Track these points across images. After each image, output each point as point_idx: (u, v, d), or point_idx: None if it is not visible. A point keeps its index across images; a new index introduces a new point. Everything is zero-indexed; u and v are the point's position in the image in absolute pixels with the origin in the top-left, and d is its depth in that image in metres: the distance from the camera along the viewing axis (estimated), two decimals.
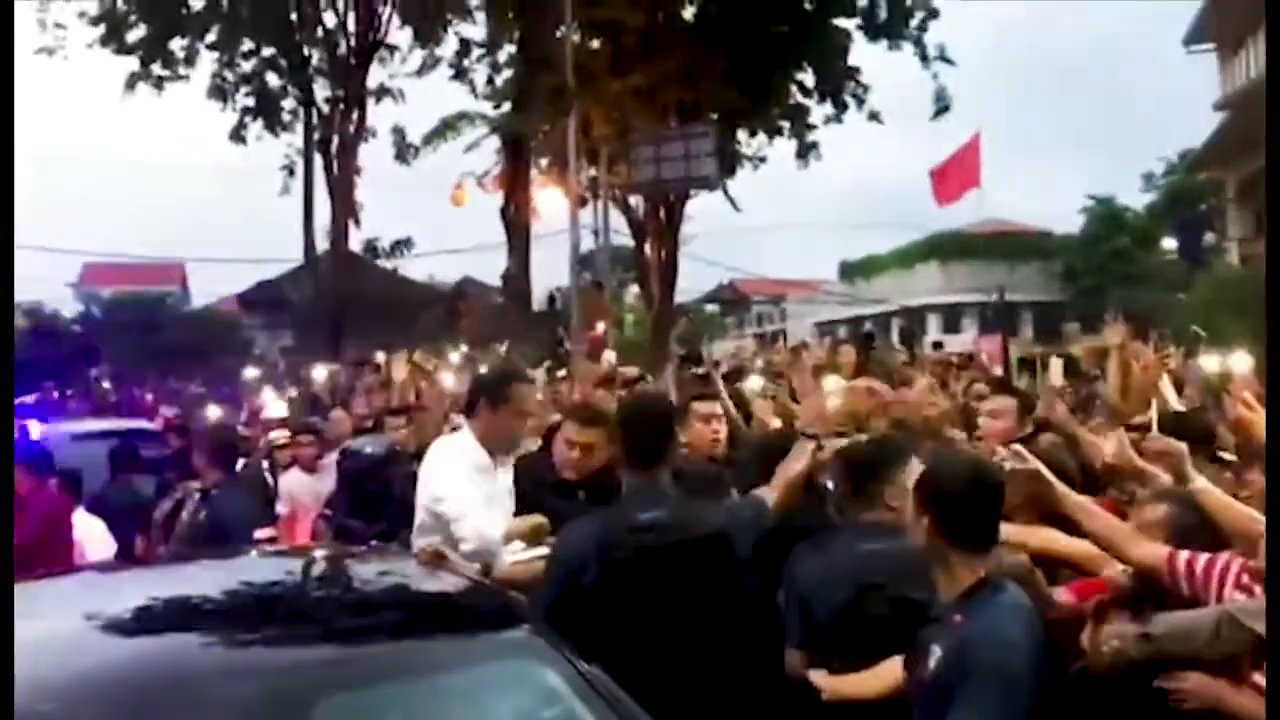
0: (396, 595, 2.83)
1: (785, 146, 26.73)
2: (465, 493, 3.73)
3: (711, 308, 59.43)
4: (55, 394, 21.12)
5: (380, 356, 12.69)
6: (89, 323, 34.25)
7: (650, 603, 2.95)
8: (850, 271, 48.52)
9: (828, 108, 25.48)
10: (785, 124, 26.33)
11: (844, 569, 2.92)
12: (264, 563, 3.41)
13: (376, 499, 5.28)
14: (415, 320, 27.76)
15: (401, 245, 26.41)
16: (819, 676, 2.93)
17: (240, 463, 6.95)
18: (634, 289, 34.52)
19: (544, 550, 3.38)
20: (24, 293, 33.33)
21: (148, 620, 2.45)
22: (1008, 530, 2.91)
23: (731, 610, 3.05)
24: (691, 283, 42.36)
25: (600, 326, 16.86)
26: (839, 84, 24.34)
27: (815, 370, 6.99)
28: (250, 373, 16.40)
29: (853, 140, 42.58)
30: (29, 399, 17.24)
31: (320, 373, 12.69)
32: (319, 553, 4.09)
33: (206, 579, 2.85)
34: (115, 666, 2.21)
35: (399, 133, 24.07)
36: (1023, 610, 2.56)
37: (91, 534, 5.66)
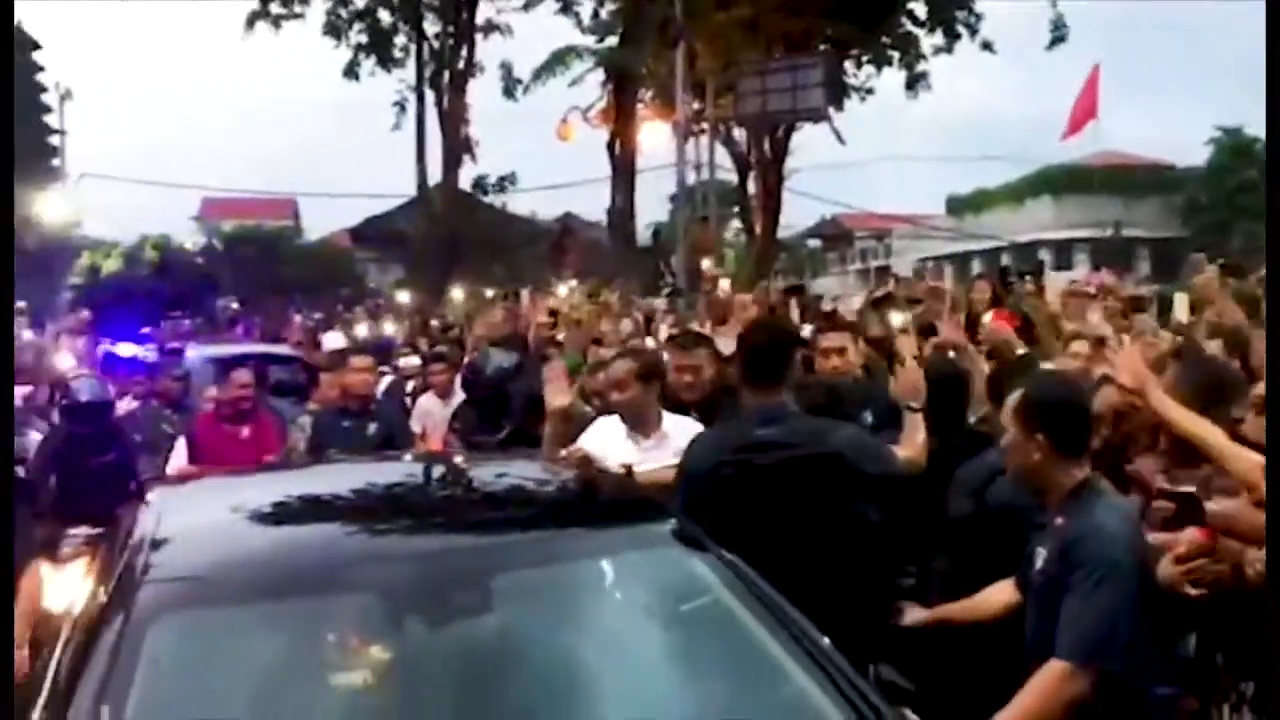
0: (555, 490, 3.14)
1: (894, 78, 26.24)
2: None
3: (813, 243, 58.65)
4: (184, 322, 22.13)
5: (525, 294, 13.12)
6: (210, 255, 35.61)
7: (759, 516, 3.15)
8: (958, 206, 47.34)
9: (938, 38, 24.86)
10: (894, 54, 25.80)
11: None
12: (436, 462, 3.76)
13: (500, 411, 5.55)
14: (520, 255, 28.26)
15: (506, 180, 26.82)
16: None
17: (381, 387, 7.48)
18: (735, 224, 34.41)
19: (671, 460, 3.61)
20: (149, 226, 34.95)
21: (348, 508, 2.85)
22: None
23: (840, 531, 3.24)
24: (794, 218, 41.91)
25: (706, 261, 16.94)
26: (951, 13, 23.69)
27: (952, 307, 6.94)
28: (368, 303, 17.02)
29: (963, 71, 41.40)
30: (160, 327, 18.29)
31: (438, 304, 13.22)
32: (483, 457, 4.37)
33: (392, 473, 3.19)
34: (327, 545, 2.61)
35: (506, 68, 24.41)
36: (1121, 508, 2.72)
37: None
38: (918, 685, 2.51)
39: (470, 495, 3.12)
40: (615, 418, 4.12)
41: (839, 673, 2.30)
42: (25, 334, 12.59)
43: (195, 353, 10.25)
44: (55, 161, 34.29)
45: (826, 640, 2.40)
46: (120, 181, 55.93)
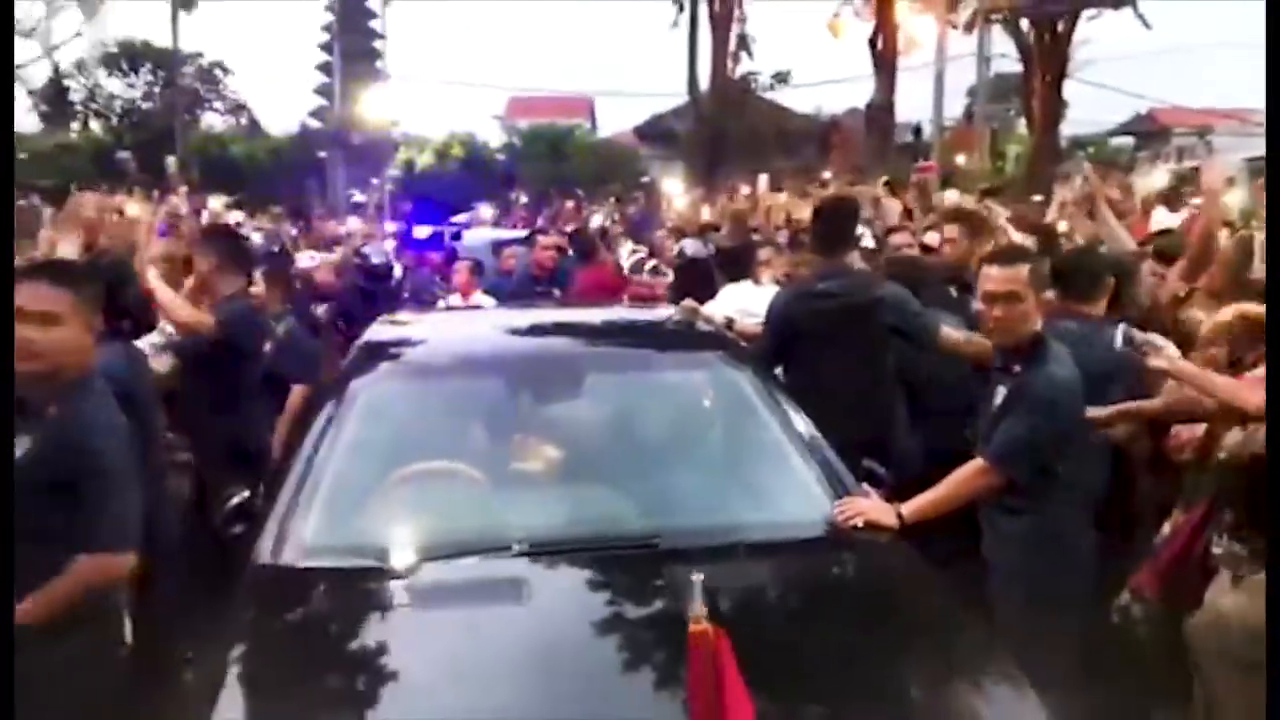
0: (654, 325, 4.28)
1: None
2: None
3: (1122, 140, 54.41)
4: (482, 213, 24.49)
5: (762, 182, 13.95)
6: (509, 152, 38.39)
7: (815, 344, 4.08)
8: None
9: None
10: None
11: None
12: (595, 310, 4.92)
13: (695, 285, 6.54)
14: (794, 151, 28.64)
15: (780, 78, 27.20)
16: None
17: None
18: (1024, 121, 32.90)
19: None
20: (457, 125, 38.15)
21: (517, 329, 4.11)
22: None
23: (867, 360, 4.09)
24: (1100, 113, 39.17)
25: (962, 158, 16.82)
26: None
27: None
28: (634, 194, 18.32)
29: None
30: (462, 216, 20.67)
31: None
32: (636, 309, 5.45)
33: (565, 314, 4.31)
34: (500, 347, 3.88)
35: None
36: (1066, 366, 3.27)
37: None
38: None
39: (590, 325, 4.22)
40: (749, 283, 5.06)
41: (819, 454, 3.23)
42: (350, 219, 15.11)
43: (472, 235, 12.18)
44: (378, 64, 37.83)
45: (818, 433, 3.27)
46: (435, 82, 60.51)
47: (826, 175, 16.18)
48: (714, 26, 24.45)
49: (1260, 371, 3.22)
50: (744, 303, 4.89)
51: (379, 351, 3.78)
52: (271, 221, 13.11)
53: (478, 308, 6.62)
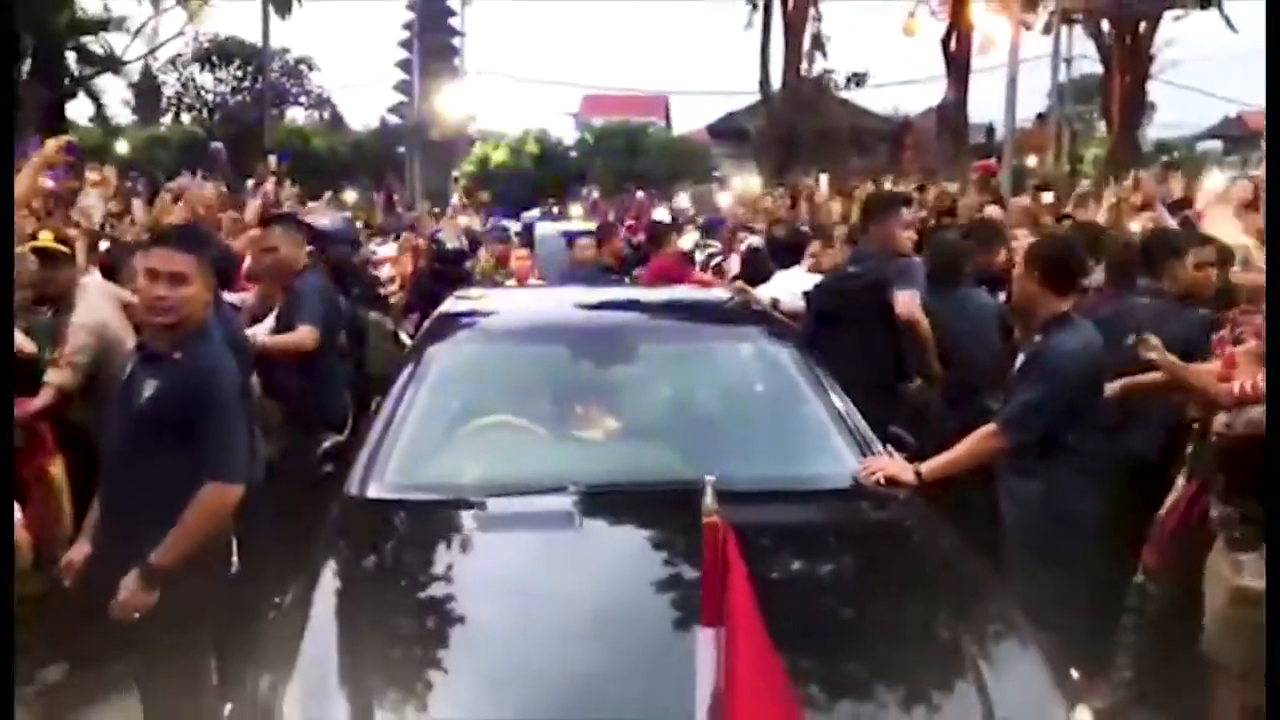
0: (704, 302, 4.68)
1: None
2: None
3: (1209, 144, 53.11)
4: (554, 208, 25.04)
5: (823, 182, 14.22)
6: (582, 148, 38.92)
7: (842, 320, 4.52)
8: None
9: None
10: None
11: None
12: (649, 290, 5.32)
13: (756, 275, 6.95)
14: (868, 150, 28.67)
15: (856, 78, 27.24)
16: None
17: None
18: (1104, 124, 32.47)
19: None
20: (532, 121, 38.83)
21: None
22: None
23: (886, 335, 4.45)
24: (1187, 116, 38.39)
25: (1033, 159, 16.81)
26: None
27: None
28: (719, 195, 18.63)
29: None
30: (534, 211, 21.27)
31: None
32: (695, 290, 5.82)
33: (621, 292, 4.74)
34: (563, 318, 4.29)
35: None
36: (1083, 336, 3.55)
37: None
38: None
39: (646, 301, 4.62)
40: (799, 269, 5.46)
41: (850, 418, 3.58)
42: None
43: (546, 227, 12.75)
44: (456, 61, 38.62)
45: (849, 402, 3.61)
46: (511, 79, 61.41)
47: (889, 179, 16.24)
48: (787, 26, 24.65)
49: (1248, 347, 3.46)
50: (793, 286, 5.25)
51: (453, 321, 4.20)
52: (339, 209, 13.75)
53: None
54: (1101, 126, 33.47)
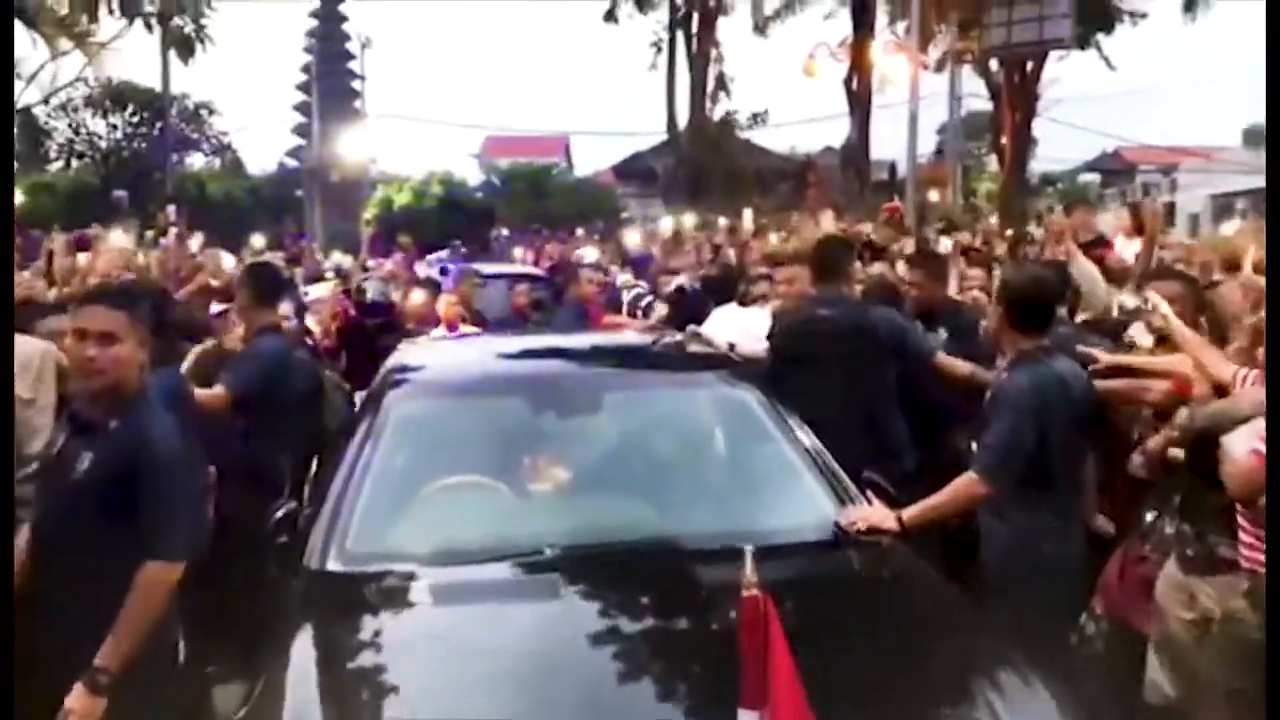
0: (661, 348, 4.55)
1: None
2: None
3: (1089, 177, 55.53)
4: (462, 249, 24.78)
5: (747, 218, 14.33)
6: (488, 189, 38.74)
7: (814, 366, 4.37)
8: (1258, 138, 43.53)
9: None
10: None
11: None
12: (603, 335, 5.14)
13: (688, 316, 6.87)
14: (770, 189, 29.12)
15: (758, 117, 27.72)
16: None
17: None
18: (995, 158, 33.66)
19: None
20: (435, 163, 38.56)
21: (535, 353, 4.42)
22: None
23: (864, 381, 4.37)
24: (1067, 151, 40.05)
25: (934, 194, 17.28)
26: None
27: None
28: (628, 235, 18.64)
29: None
30: (442, 253, 21.00)
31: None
32: (639, 334, 5.76)
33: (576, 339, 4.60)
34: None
35: (756, 5, 25.19)
36: (1045, 373, 3.52)
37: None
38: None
39: (602, 348, 4.51)
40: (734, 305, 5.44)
41: (824, 465, 3.49)
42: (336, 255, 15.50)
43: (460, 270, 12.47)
44: (356, 104, 38.16)
45: (821, 446, 3.52)
46: (412, 121, 61.14)
47: (795, 217, 16.45)
48: (692, 66, 25.01)
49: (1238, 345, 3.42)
50: (738, 323, 5.22)
51: (405, 373, 4.02)
52: (253, 257, 13.36)
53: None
54: (990, 161, 34.70)
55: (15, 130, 29.68)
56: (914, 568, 3.11)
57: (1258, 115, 43.74)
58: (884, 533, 3.23)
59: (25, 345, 3.89)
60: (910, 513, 3.33)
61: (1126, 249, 7.77)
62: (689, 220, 16.77)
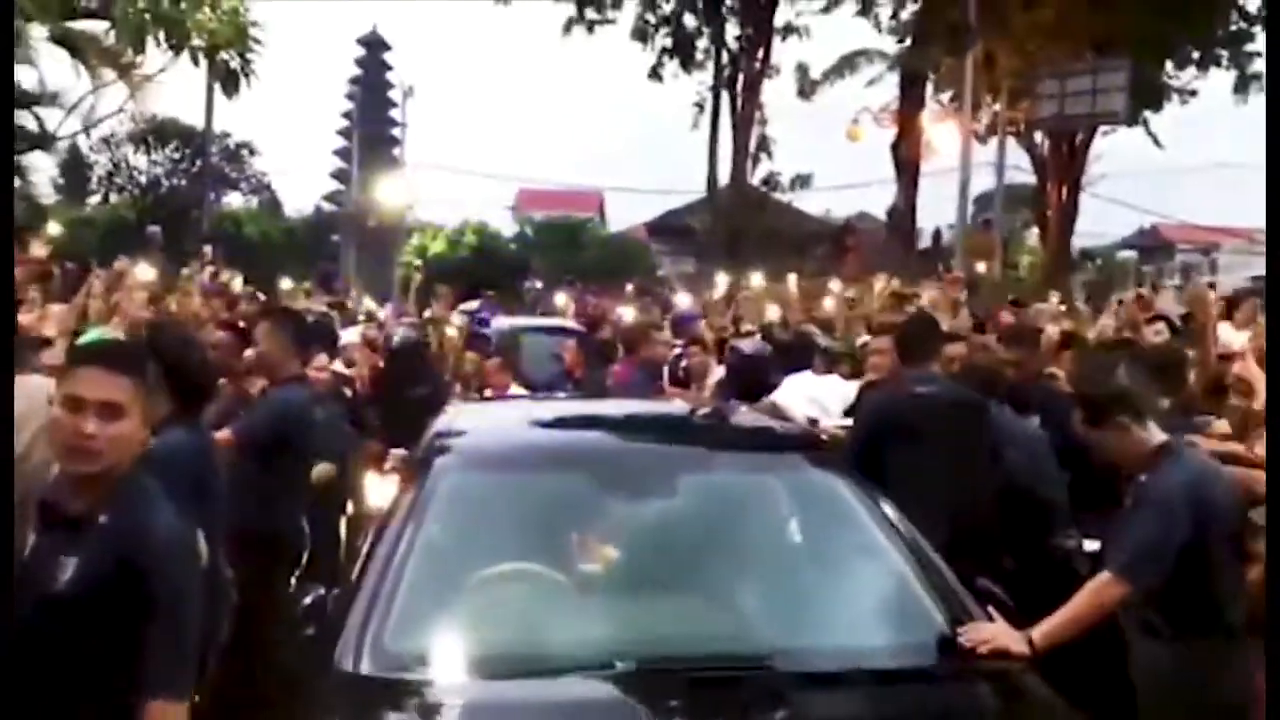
0: (742, 424, 4.02)
1: (1222, 79, 24.53)
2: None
3: (1127, 254, 55.05)
4: (492, 299, 24.58)
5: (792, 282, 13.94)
6: (523, 241, 38.69)
7: (916, 448, 3.89)
8: None
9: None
10: (1222, 53, 24.12)
11: None
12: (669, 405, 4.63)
13: (754, 384, 6.42)
14: (807, 252, 28.82)
15: (800, 180, 27.44)
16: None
17: None
18: (1035, 231, 33.29)
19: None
20: (471, 212, 38.64)
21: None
22: None
23: (979, 466, 3.89)
24: (1105, 226, 39.62)
25: (982, 266, 16.88)
26: None
27: None
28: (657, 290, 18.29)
29: None
30: (474, 304, 20.79)
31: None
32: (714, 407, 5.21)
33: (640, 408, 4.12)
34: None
35: (802, 69, 25.06)
36: (1186, 470, 3.14)
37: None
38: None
39: (673, 420, 4.04)
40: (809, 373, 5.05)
41: (933, 568, 2.99)
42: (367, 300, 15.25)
43: (502, 322, 12.28)
44: (395, 151, 38.37)
45: (931, 550, 3.04)
46: (449, 171, 61.75)
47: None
48: (735, 127, 24.82)
49: None
50: (813, 394, 4.77)
51: (453, 443, 3.58)
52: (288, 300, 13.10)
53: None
54: (1029, 234, 34.30)
55: (58, 162, 29.98)
56: (1053, 706, 2.61)
57: None
58: (1012, 657, 2.75)
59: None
60: (1043, 631, 2.85)
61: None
62: (722, 280, 16.36)
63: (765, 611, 2.87)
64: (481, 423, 3.92)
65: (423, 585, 2.84)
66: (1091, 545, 3.96)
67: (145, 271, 8.25)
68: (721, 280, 15.77)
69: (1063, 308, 11.49)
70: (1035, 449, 4.16)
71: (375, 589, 2.80)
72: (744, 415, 4.21)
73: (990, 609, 2.91)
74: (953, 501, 3.61)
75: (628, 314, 12.02)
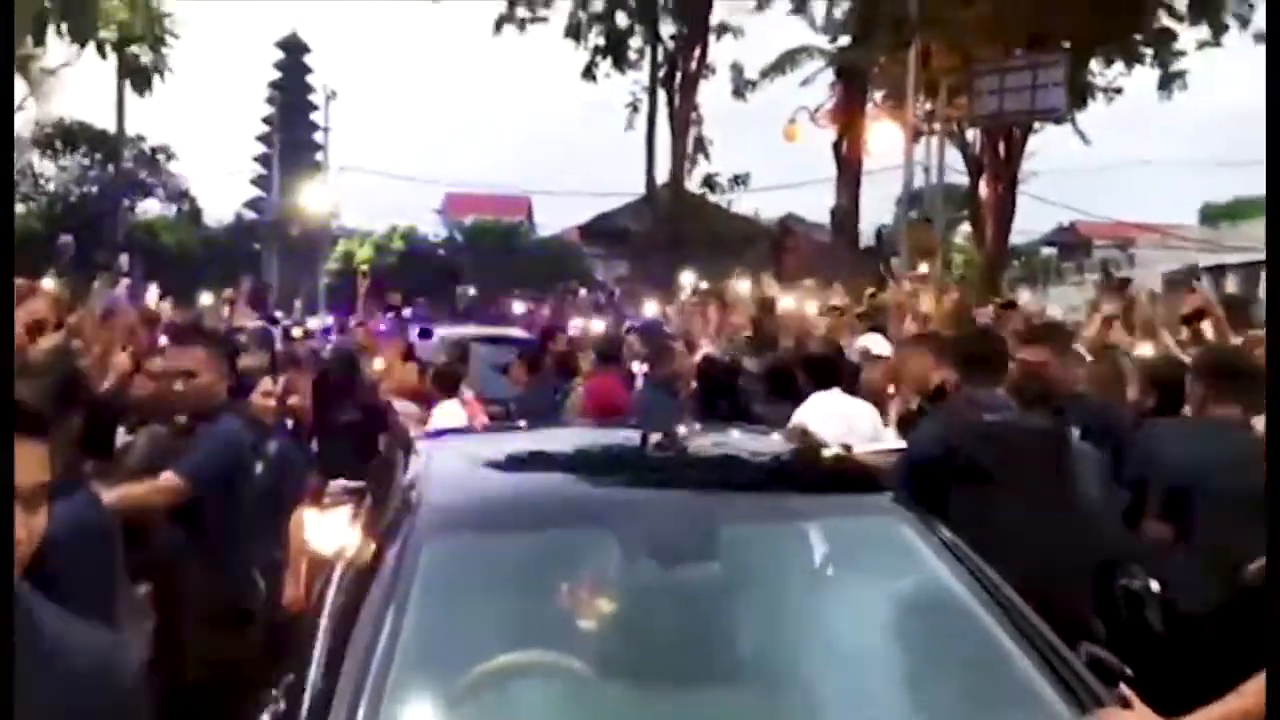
0: (782, 458, 3.38)
1: (1145, 76, 24.76)
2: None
3: (1049, 251, 55.97)
4: (425, 307, 23.72)
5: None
6: (451, 246, 37.78)
7: (993, 485, 3.31)
8: (1213, 216, 44.04)
9: (1201, 31, 23.20)
10: (1148, 51, 24.34)
11: None
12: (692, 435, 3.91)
13: (724, 397, 5.83)
14: (743, 254, 28.48)
15: (740, 180, 27.12)
16: None
17: None
18: (965, 228, 33.37)
19: (890, 445, 3.80)
20: (398, 217, 37.64)
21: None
22: None
23: (1063, 502, 3.32)
24: (1029, 223, 40.07)
25: (924, 265, 16.59)
26: (1219, 2, 21.99)
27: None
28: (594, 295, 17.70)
29: (1230, 68, 38.43)
30: (406, 310, 19.94)
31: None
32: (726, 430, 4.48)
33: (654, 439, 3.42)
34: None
35: (737, 69, 24.69)
36: None
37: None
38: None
39: (706, 457, 3.36)
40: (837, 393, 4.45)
41: (1054, 653, 2.38)
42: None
43: (447, 331, 11.49)
44: (318, 156, 37.24)
45: (1038, 619, 2.48)
46: (374, 175, 60.38)
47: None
48: (673, 128, 24.38)
49: None
50: (842, 410, 4.21)
51: (439, 492, 2.92)
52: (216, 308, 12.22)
53: None
54: (958, 232, 34.41)
55: None
56: None
57: (1216, 194, 44.37)
58: None
59: None
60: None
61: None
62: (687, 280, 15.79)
63: (835, 705, 2.29)
64: (464, 464, 3.22)
65: (408, 686, 2.21)
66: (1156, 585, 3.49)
67: (49, 284, 7.40)
68: (687, 281, 15.16)
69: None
70: (1097, 475, 3.64)
71: (355, 688, 2.16)
72: (781, 444, 3.56)
73: (1122, 688, 2.35)
74: (1037, 555, 3.02)
75: (596, 325, 11.38)
